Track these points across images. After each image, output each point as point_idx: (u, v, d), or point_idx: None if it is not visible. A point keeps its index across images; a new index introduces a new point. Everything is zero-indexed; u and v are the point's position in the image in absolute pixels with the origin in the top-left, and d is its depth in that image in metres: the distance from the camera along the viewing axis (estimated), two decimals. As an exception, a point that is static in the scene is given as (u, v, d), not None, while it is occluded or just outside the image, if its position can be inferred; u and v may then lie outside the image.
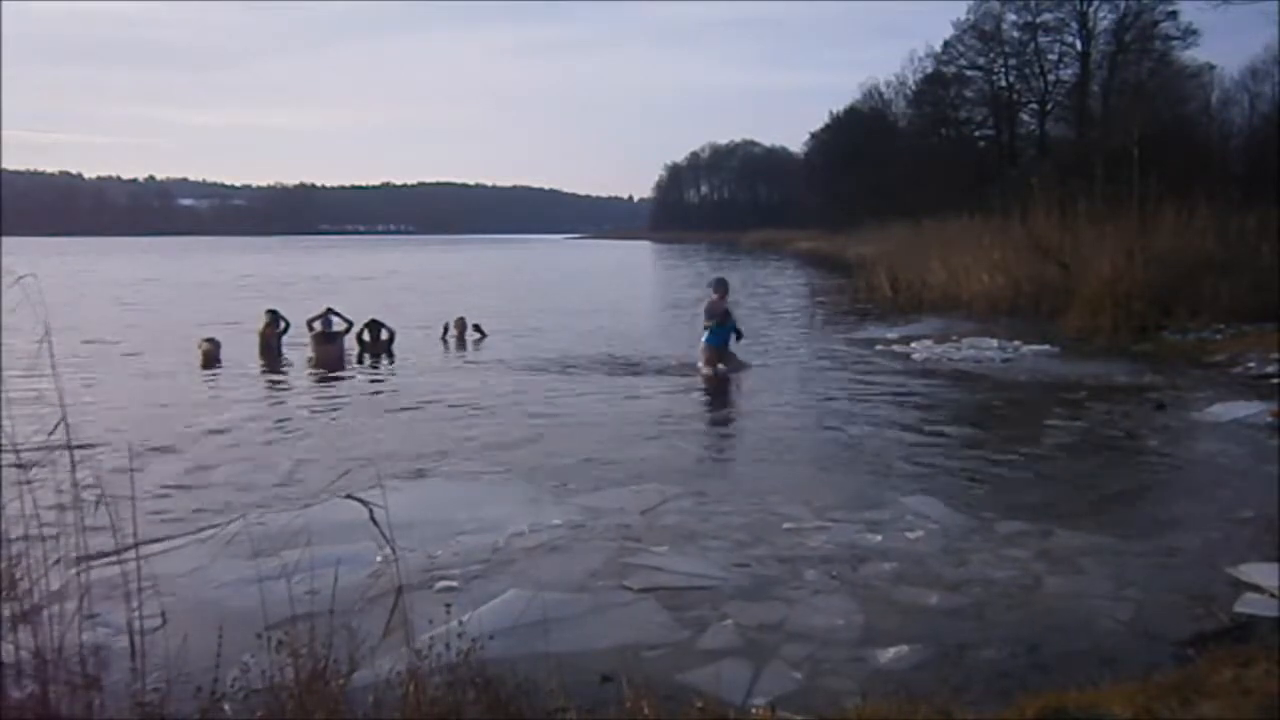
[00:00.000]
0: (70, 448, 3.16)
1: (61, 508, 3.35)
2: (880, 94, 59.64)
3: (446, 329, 15.85)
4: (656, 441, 8.20)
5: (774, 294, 27.44)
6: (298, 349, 14.04)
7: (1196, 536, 5.55)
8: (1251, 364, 11.59)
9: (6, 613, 3.07)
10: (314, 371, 12.78)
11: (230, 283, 32.53)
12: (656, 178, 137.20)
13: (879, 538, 5.52)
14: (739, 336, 12.55)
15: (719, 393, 11.03)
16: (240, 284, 31.42)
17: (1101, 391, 10.42)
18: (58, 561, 3.29)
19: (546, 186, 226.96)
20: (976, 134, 46.61)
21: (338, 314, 14.35)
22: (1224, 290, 14.54)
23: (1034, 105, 43.31)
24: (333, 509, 5.70)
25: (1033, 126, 43.75)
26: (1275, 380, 10.68)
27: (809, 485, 6.77)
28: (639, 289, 32.15)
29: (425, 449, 7.94)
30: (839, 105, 68.58)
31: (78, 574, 3.29)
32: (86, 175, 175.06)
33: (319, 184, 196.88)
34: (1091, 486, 6.90)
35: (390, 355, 13.97)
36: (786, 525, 5.76)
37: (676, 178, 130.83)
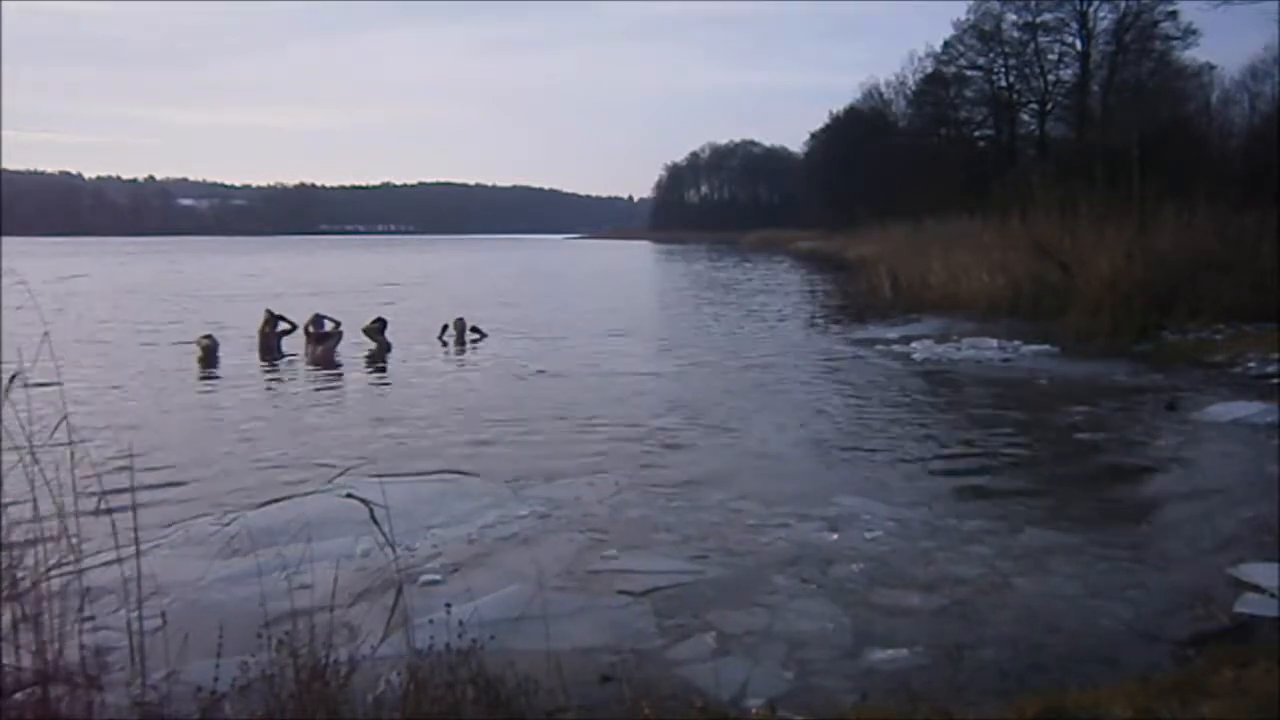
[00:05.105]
0: (70, 446, 3.15)
1: (61, 508, 3.34)
2: (880, 94, 59.55)
3: (445, 329, 15.81)
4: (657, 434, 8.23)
5: (774, 293, 27.43)
6: (298, 346, 14.20)
7: (1196, 536, 5.54)
8: (1251, 364, 11.59)
9: (6, 613, 3.07)
10: (311, 370, 12.83)
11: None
12: (656, 178, 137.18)
13: (850, 537, 5.53)
14: None
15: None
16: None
17: (1102, 391, 10.42)
18: (58, 562, 3.28)
19: (546, 186, 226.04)
20: (976, 134, 46.50)
21: (327, 316, 14.60)
22: (1224, 290, 14.52)
23: (1034, 105, 43.20)
24: (314, 505, 5.73)
25: (1033, 126, 43.64)
26: (1275, 380, 10.68)
27: (812, 484, 6.77)
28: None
29: (419, 447, 7.95)
30: (839, 105, 68.39)
31: (78, 574, 3.29)
32: (86, 175, 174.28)
33: (319, 184, 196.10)
34: (1091, 487, 6.88)
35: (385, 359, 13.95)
36: (765, 519, 5.76)
37: (676, 178, 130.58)
